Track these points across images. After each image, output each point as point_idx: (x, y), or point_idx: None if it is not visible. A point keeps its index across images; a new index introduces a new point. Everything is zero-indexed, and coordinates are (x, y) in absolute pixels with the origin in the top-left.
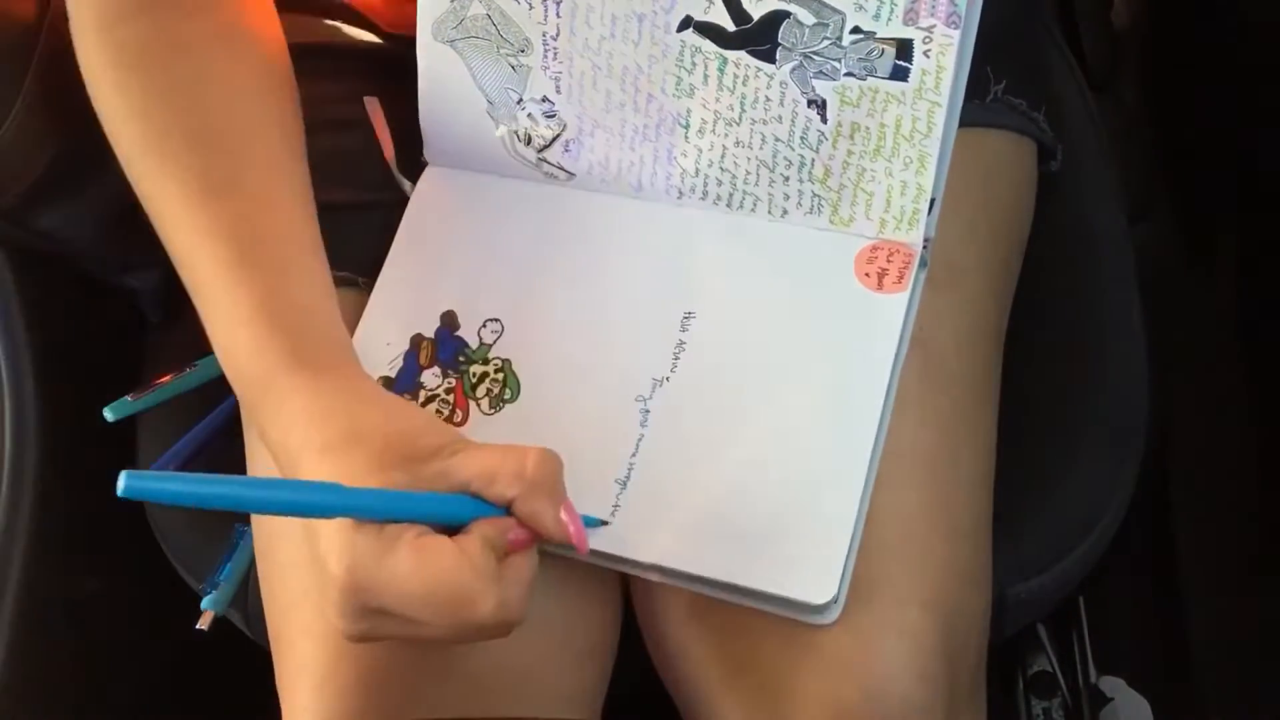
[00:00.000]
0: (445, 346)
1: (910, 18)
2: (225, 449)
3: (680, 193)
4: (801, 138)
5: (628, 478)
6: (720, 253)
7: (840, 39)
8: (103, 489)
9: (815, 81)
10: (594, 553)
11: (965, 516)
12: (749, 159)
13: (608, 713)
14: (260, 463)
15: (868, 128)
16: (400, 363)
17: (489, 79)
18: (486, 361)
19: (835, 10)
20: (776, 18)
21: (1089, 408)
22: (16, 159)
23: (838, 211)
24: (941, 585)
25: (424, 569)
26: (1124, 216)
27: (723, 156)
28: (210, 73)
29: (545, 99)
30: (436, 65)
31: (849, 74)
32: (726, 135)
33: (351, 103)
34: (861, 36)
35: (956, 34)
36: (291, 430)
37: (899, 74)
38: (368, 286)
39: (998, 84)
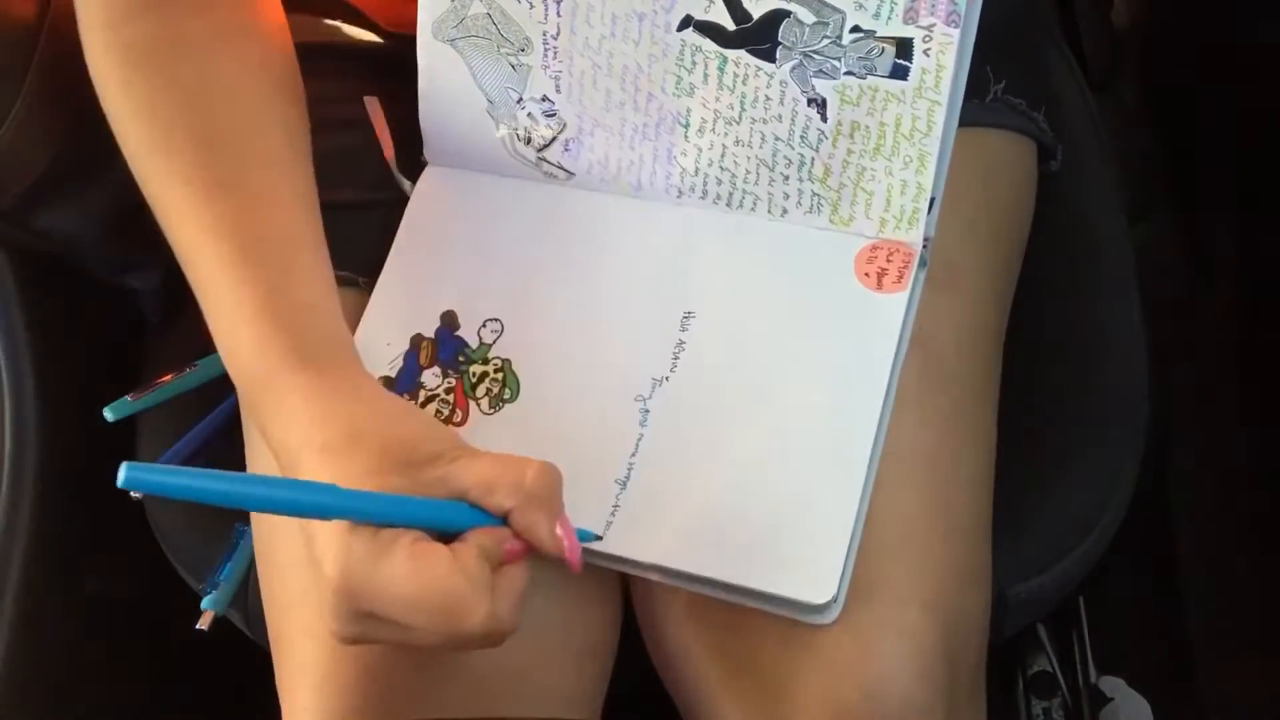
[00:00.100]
0: (445, 346)
1: (910, 16)
2: (225, 449)
3: (680, 192)
4: (801, 136)
5: (627, 478)
6: (720, 252)
7: (840, 38)
8: (103, 489)
9: (815, 80)
10: (594, 553)
11: (965, 516)
12: (749, 158)
13: (608, 713)
14: (260, 461)
15: (868, 126)
16: (400, 363)
17: (489, 78)
18: (486, 361)
19: (835, 9)
20: (776, 17)
21: (1089, 408)
22: (16, 159)
23: (837, 211)
24: (941, 585)
25: (418, 576)
26: (1124, 216)
27: (722, 155)
28: (215, 71)
29: (545, 98)
30: (437, 64)
31: (849, 73)
32: (726, 134)
33: (351, 103)
34: (861, 35)
35: (956, 33)
36: (291, 429)
37: (899, 73)
38: (368, 286)
39: (998, 84)
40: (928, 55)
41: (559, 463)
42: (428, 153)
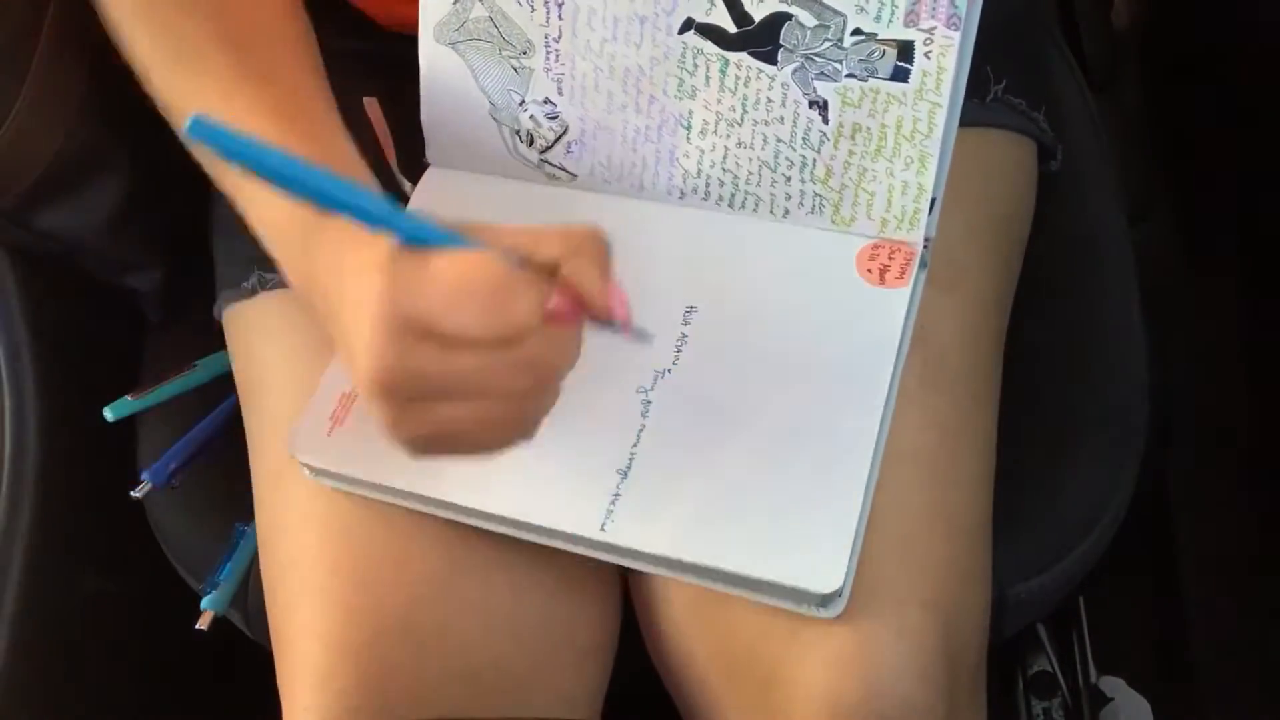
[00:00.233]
0: None
1: (911, 19)
2: (225, 449)
3: (682, 193)
4: (803, 138)
5: (629, 467)
6: (722, 250)
7: (841, 41)
8: (103, 489)
9: (817, 83)
10: (594, 544)
11: (965, 516)
12: (751, 159)
13: (608, 713)
14: (260, 459)
15: (869, 128)
16: None
17: (491, 80)
18: None
19: (836, 12)
20: (778, 19)
21: (1089, 408)
22: (16, 159)
23: (839, 211)
24: (942, 585)
25: (461, 263)
26: (1124, 216)
27: (725, 157)
28: None
29: (547, 100)
30: (438, 67)
31: (850, 75)
32: (728, 136)
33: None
34: (862, 38)
35: (957, 35)
36: (345, 238)
37: (900, 75)
38: None
39: (998, 84)
40: (928, 58)
41: (559, 453)
42: (429, 154)
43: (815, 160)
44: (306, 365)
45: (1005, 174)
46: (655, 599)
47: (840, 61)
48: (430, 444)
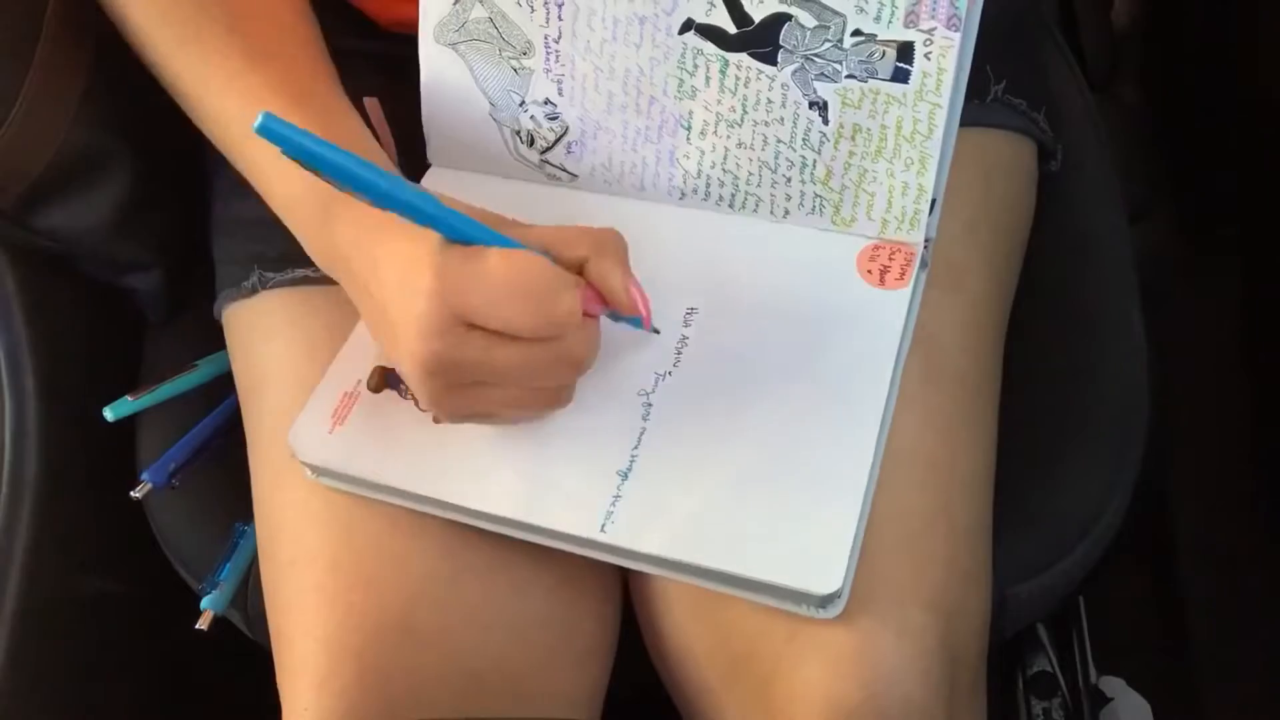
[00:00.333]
0: None
1: (911, 20)
2: (225, 449)
3: (682, 194)
4: (803, 139)
5: (629, 469)
6: (722, 251)
7: (841, 41)
8: (103, 489)
9: (817, 83)
10: (595, 545)
11: (966, 516)
12: (751, 160)
13: (608, 713)
14: (261, 453)
15: (869, 129)
16: None
17: (491, 81)
18: None
19: (836, 13)
20: (778, 20)
21: (1089, 408)
22: (17, 159)
23: (839, 212)
24: (942, 585)
25: (510, 264)
26: (1124, 216)
27: (725, 158)
28: None
29: (548, 101)
30: (439, 67)
31: (850, 76)
32: (729, 137)
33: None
34: (862, 39)
35: (957, 36)
36: (370, 213)
37: (900, 76)
38: None
39: (998, 84)
40: (928, 59)
41: (560, 453)
42: (430, 154)
43: (815, 161)
44: (307, 364)
45: (1005, 174)
46: (655, 599)
47: (840, 62)
48: (465, 420)
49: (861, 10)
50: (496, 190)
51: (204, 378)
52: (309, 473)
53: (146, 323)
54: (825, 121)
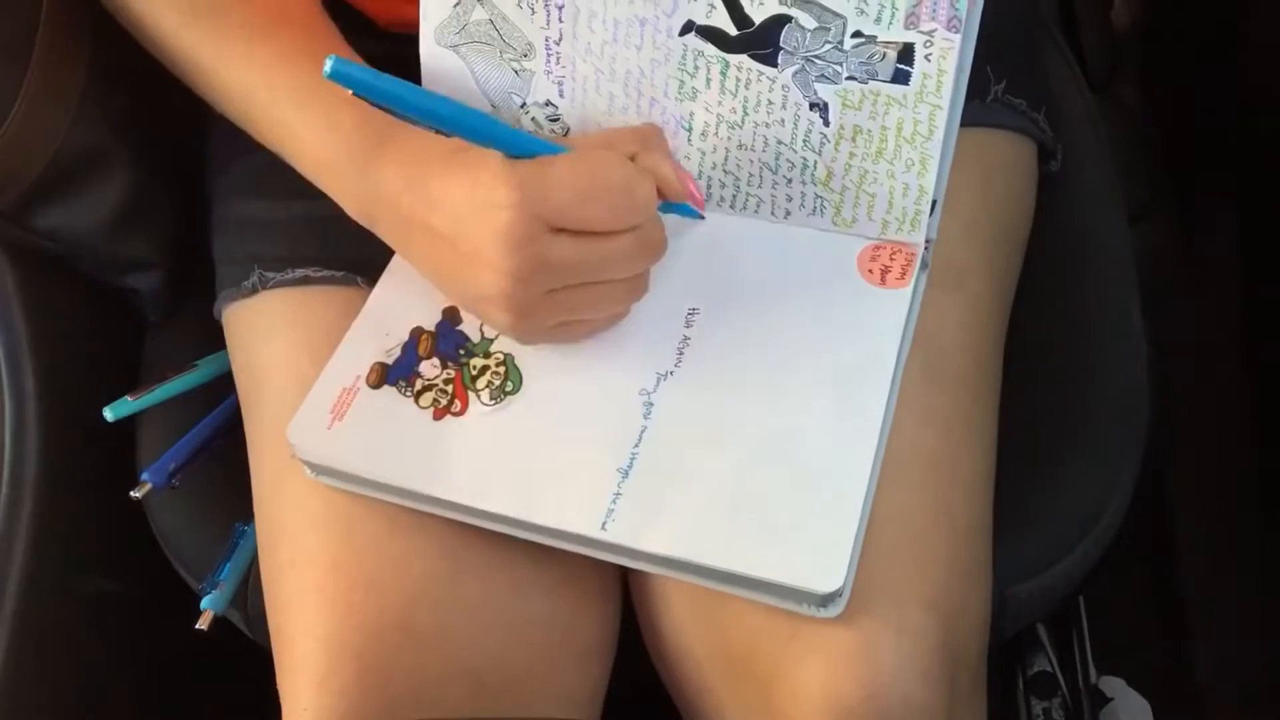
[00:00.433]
0: (446, 339)
1: (911, 22)
2: (225, 449)
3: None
4: (804, 140)
5: (630, 467)
6: (723, 251)
7: (842, 43)
8: (103, 489)
9: (817, 85)
10: (595, 544)
11: (966, 516)
12: (752, 161)
13: (608, 713)
14: (261, 450)
15: (869, 130)
16: (398, 352)
17: (492, 83)
18: (488, 355)
19: (836, 14)
20: (778, 22)
21: (1089, 408)
22: (17, 158)
23: (840, 213)
24: (942, 585)
25: (585, 164)
26: (1124, 216)
27: (726, 159)
28: None
29: (549, 103)
30: (439, 69)
31: (851, 77)
32: (729, 138)
33: None
34: (863, 40)
35: (957, 38)
36: (413, 154)
37: (900, 77)
38: (368, 286)
39: (998, 84)
40: (929, 60)
41: (561, 449)
42: None
43: (816, 162)
44: (307, 364)
45: (1006, 174)
46: (655, 599)
47: (841, 64)
48: (554, 333)
49: (862, 12)
50: None
51: (204, 378)
52: (309, 472)
53: (146, 323)
54: (826, 123)
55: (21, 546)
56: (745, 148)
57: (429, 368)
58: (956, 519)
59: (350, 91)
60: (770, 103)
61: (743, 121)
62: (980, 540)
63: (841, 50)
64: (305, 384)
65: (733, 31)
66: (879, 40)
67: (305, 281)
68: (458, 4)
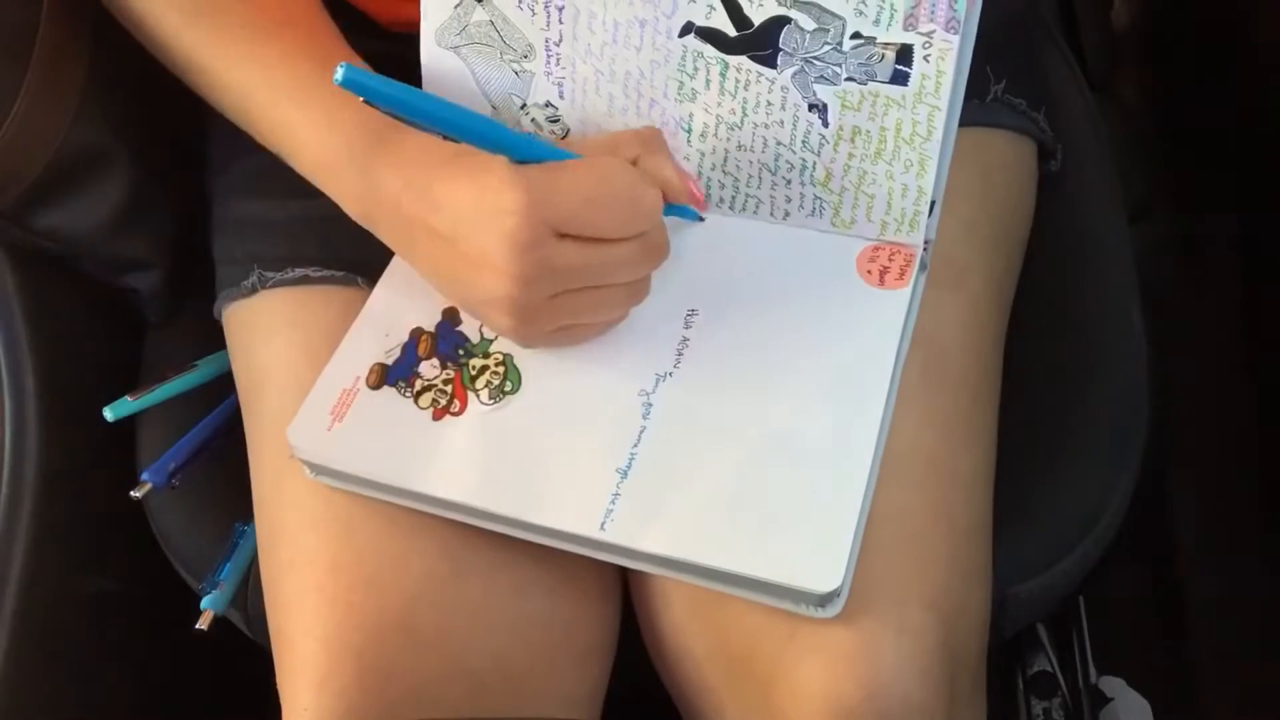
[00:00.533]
0: (445, 339)
1: (910, 23)
2: (225, 449)
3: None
4: (803, 141)
5: (629, 467)
6: (722, 252)
7: (841, 44)
8: (103, 488)
9: (816, 86)
10: (593, 544)
11: (965, 516)
12: (751, 162)
13: (608, 713)
14: (261, 447)
15: (868, 131)
16: (398, 353)
17: (493, 84)
18: (488, 355)
19: (835, 16)
20: (777, 23)
21: (1089, 408)
22: (17, 158)
23: (839, 214)
24: (942, 584)
25: (592, 170)
26: (1124, 216)
27: (725, 160)
28: None
29: (549, 104)
30: (440, 70)
31: (850, 79)
32: (729, 139)
33: None
34: (862, 42)
35: (956, 39)
36: (414, 155)
37: (899, 79)
38: (368, 286)
39: (997, 84)
40: (928, 61)
41: (560, 449)
42: None
43: (815, 163)
44: (306, 364)
45: (1005, 174)
46: (655, 599)
47: (840, 65)
48: (554, 337)
49: (861, 13)
50: None
51: (204, 378)
52: (308, 472)
53: (146, 323)
54: (825, 124)
55: (21, 546)
56: (744, 149)
57: (428, 368)
58: (956, 519)
59: (360, 99)
60: (769, 104)
61: (742, 122)
62: (980, 540)
63: (840, 51)
64: (305, 384)
65: (732, 33)
66: (878, 41)
67: (305, 281)
68: (458, 5)
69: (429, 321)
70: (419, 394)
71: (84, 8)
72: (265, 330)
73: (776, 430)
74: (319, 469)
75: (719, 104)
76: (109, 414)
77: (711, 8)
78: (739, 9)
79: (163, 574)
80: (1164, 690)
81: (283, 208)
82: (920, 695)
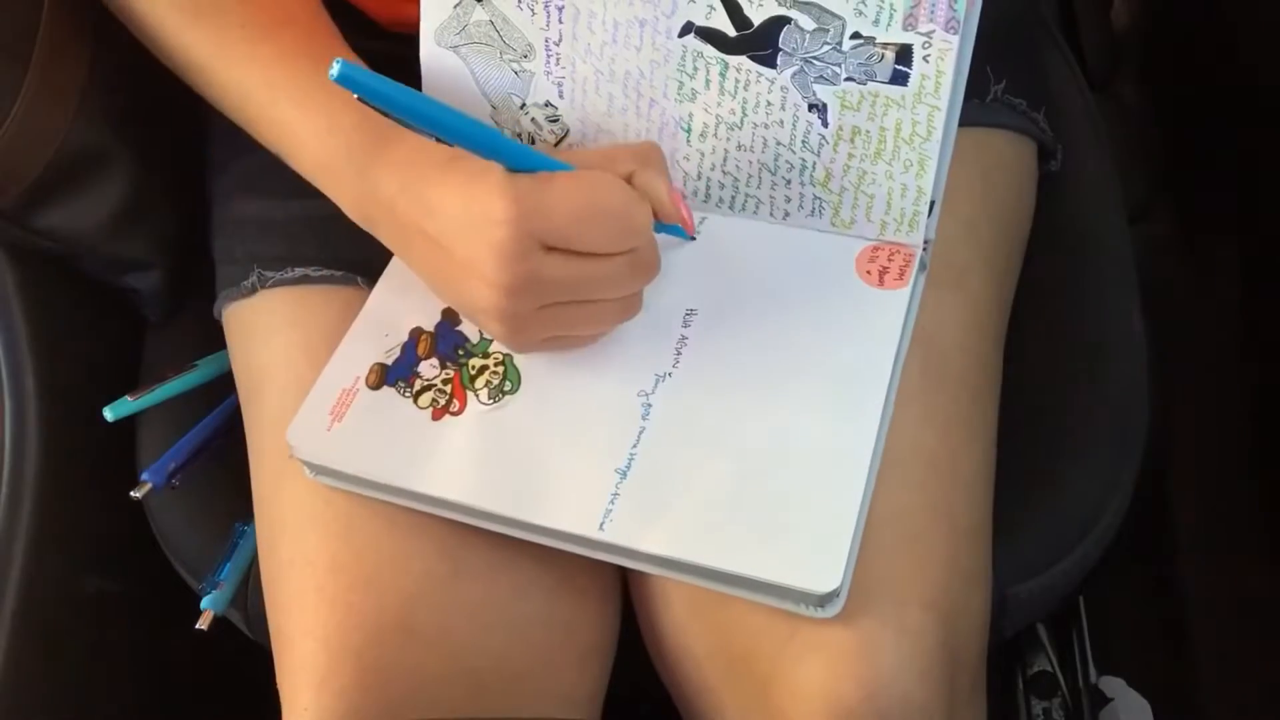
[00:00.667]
0: (445, 339)
1: (910, 23)
2: (225, 449)
3: (683, 195)
4: (803, 141)
5: (628, 467)
6: (722, 252)
7: (840, 44)
8: (103, 488)
9: (816, 86)
10: (592, 544)
11: (965, 516)
12: (751, 162)
13: (608, 713)
14: (262, 446)
15: (868, 131)
16: (398, 352)
17: (492, 84)
18: (487, 355)
19: (835, 16)
20: (777, 23)
21: (1089, 408)
22: (17, 158)
23: (839, 214)
24: (942, 585)
25: (583, 184)
26: (1124, 216)
27: (725, 160)
28: None
29: (548, 104)
30: (439, 70)
31: (849, 79)
32: (728, 139)
33: None
34: (861, 42)
35: (956, 39)
36: (412, 159)
37: (899, 79)
38: (368, 286)
39: (997, 84)
40: (927, 61)
41: (559, 449)
42: None
43: (815, 163)
44: (306, 364)
45: (1005, 174)
46: (655, 599)
47: (839, 65)
48: (546, 346)
49: (860, 13)
50: None
51: (204, 378)
52: (308, 472)
53: (146, 323)
54: (824, 124)
55: (21, 546)
56: (744, 149)
57: (428, 368)
58: (956, 519)
59: (354, 95)
60: (769, 104)
61: (741, 122)
62: (980, 540)
63: (840, 51)
64: (305, 383)
65: (732, 33)
66: (877, 41)
67: (305, 281)
68: (458, 5)
69: (428, 321)
70: (418, 394)
71: (84, 8)
72: (265, 330)
73: (776, 431)
74: (319, 469)
75: (719, 104)
76: (109, 414)
77: (711, 8)
78: (739, 9)
79: (163, 574)
80: (1164, 690)
81: (283, 207)
82: (920, 695)
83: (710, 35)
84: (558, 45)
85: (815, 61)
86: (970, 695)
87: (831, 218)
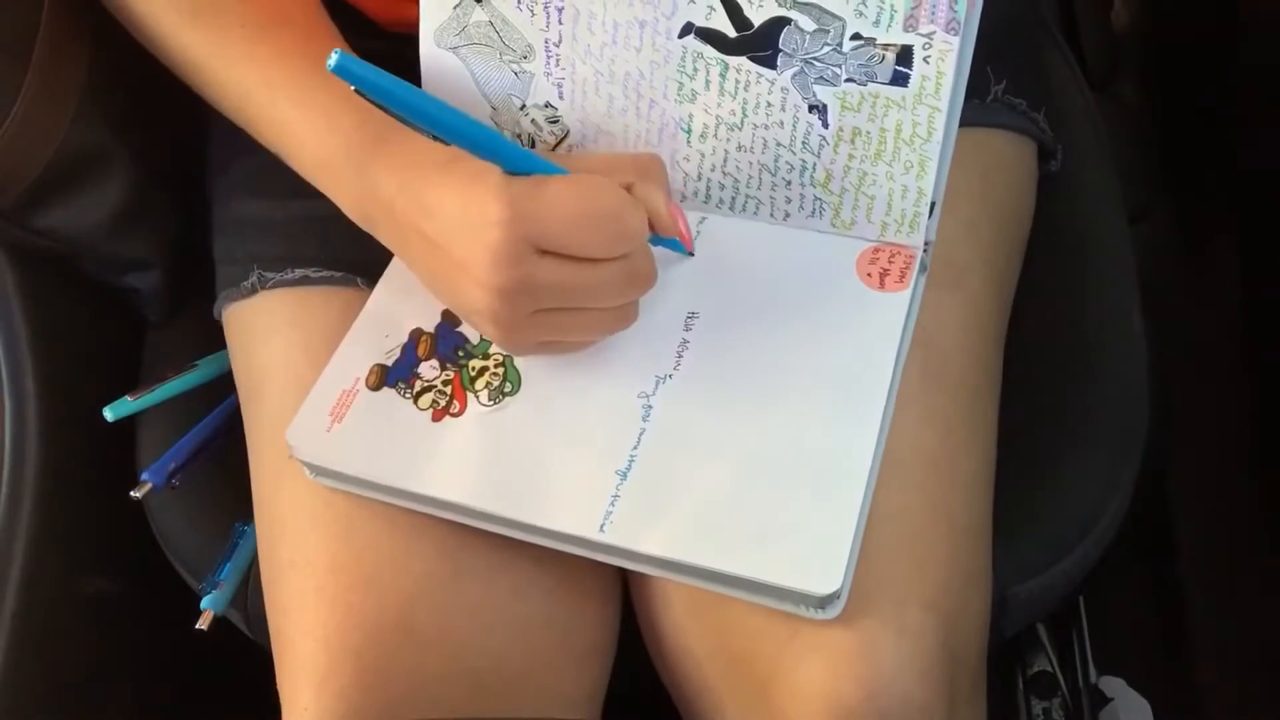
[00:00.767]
0: (445, 340)
1: (910, 24)
2: (225, 449)
3: (683, 196)
4: (803, 142)
5: (628, 469)
6: (722, 254)
7: (841, 45)
8: (103, 488)
9: (816, 87)
10: (593, 545)
11: (965, 516)
12: (751, 163)
13: (608, 713)
14: (262, 445)
15: (868, 132)
16: (398, 354)
17: (492, 85)
18: (487, 356)
19: (835, 17)
20: (777, 24)
21: (1089, 408)
22: (17, 158)
23: (839, 215)
24: (942, 585)
25: (579, 188)
26: (1124, 216)
27: (725, 161)
28: None
29: (548, 105)
30: (439, 71)
31: (850, 80)
32: (729, 140)
33: None
34: (862, 43)
35: (956, 40)
36: (411, 160)
37: (899, 79)
38: (367, 286)
39: (998, 84)
40: (928, 62)
41: (559, 451)
42: None
43: (815, 164)
44: (306, 364)
45: (1006, 174)
46: (655, 599)
47: (840, 66)
48: (541, 349)
49: (861, 14)
50: None
51: (204, 378)
52: (308, 472)
53: (146, 323)
54: (825, 125)
55: (21, 546)
56: (744, 149)
57: (428, 369)
58: (956, 519)
59: (351, 87)
60: (769, 105)
61: (742, 123)
62: (980, 540)
63: (840, 52)
64: (304, 384)
65: (732, 34)
66: (878, 42)
67: (305, 282)
68: (457, 5)
69: (428, 322)
70: (418, 395)
71: (84, 8)
72: (265, 330)
73: (776, 432)
74: (318, 470)
75: (719, 105)
76: (109, 414)
77: (711, 8)
78: (739, 10)
79: (163, 574)
80: (1164, 690)
81: (283, 208)
82: (920, 695)
83: (710, 36)
84: (557, 46)
85: (815, 62)
86: (970, 695)
87: (832, 219)
